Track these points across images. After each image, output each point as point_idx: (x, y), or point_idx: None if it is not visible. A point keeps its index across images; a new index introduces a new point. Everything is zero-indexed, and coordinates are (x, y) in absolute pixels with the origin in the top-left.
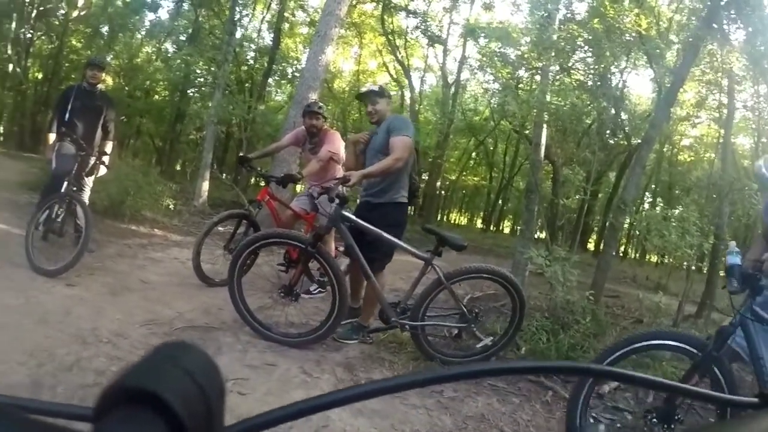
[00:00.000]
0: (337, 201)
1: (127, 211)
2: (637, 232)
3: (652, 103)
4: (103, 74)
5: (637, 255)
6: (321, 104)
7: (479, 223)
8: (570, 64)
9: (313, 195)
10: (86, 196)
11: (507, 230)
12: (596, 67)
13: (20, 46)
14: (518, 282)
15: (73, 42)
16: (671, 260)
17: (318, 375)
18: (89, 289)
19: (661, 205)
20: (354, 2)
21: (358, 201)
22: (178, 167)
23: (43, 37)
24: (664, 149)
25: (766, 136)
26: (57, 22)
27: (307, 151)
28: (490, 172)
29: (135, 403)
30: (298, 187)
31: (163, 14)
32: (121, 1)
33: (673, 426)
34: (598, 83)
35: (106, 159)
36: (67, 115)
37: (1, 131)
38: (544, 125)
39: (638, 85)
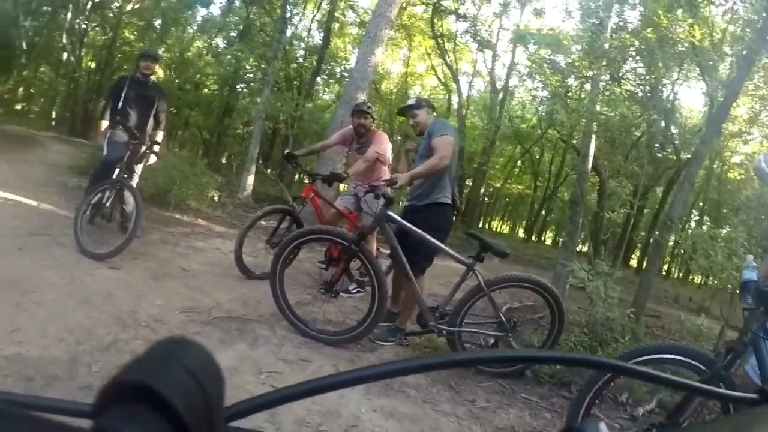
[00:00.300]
0: (383, 201)
1: (172, 200)
2: (682, 251)
3: (703, 117)
4: (157, 66)
5: (681, 274)
6: (370, 104)
7: (521, 233)
8: (621, 74)
9: (358, 194)
10: (134, 183)
11: (549, 241)
12: (648, 77)
13: (75, 36)
14: (559, 295)
15: (126, 34)
16: (716, 282)
17: None
18: (132, 273)
19: (708, 223)
20: (404, 4)
21: (401, 204)
22: (223, 160)
23: (97, 28)
24: (714, 166)
25: None
26: (111, 14)
27: (354, 151)
28: (534, 181)
29: (134, 399)
30: (341, 186)
31: (215, 10)
32: None
33: None
34: (649, 94)
35: (156, 148)
36: (120, 104)
37: (54, 116)
38: (593, 136)
39: (689, 98)
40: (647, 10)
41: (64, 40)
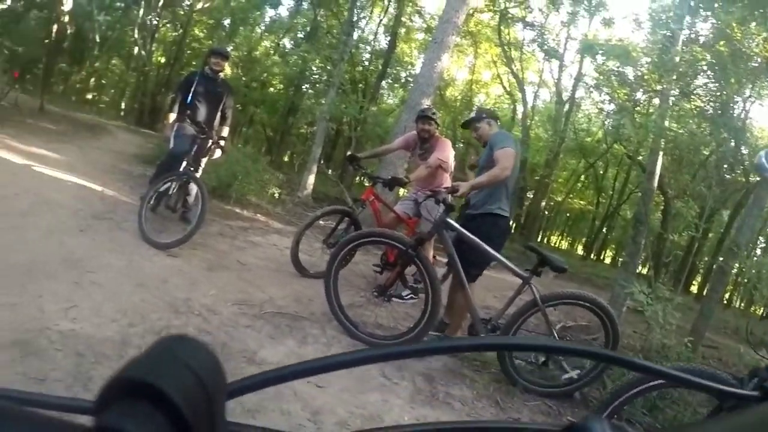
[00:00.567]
0: (443, 207)
1: (233, 194)
2: (746, 280)
3: None
4: (226, 63)
5: (743, 304)
6: (435, 110)
7: (580, 249)
8: (691, 89)
9: (418, 200)
10: (199, 175)
11: (608, 260)
12: (719, 93)
13: (146, 31)
14: (615, 316)
15: (196, 31)
16: None
17: (397, 381)
18: (189, 262)
19: None
20: (471, 11)
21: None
22: (286, 158)
23: (168, 25)
24: None
25: None
26: (182, 12)
27: (417, 157)
28: (597, 197)
29: (136, 396)
30: (401, 191)
31: (283, 11)
32: None
33: None
34: (719, 112)
35: (222, 143)
36: (189, 98)
37: (123, 107)
38: (660, 153)
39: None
40: (720, 22)
41: (136, 35)
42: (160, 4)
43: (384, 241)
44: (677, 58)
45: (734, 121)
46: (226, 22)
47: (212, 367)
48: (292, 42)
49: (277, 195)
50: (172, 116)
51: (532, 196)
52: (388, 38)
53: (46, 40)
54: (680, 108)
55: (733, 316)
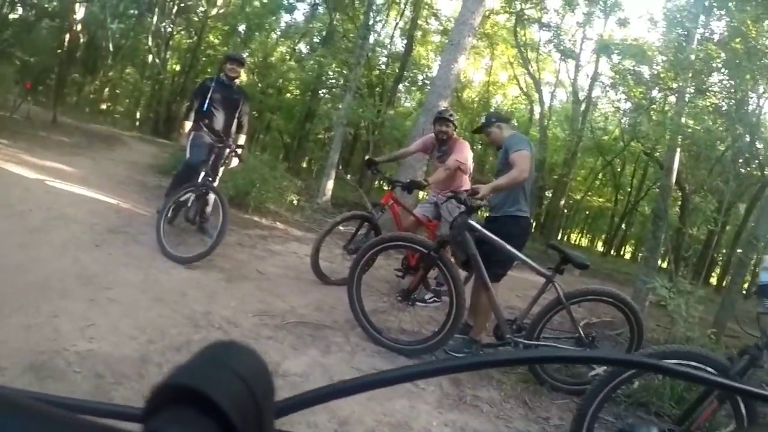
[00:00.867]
0: (464, 209)
1: (251, 202)
2: None
3: None
4: (242, 69)
5: None
6: (452, 112)
7: (600, 246)
8: (706, 87)
9: (438, 203)
10: (216, 185)
11: (628, 256)
12: (734, 90)
13: (160, 38)
14: (638, 310)
15: (211, 38)
16: None
17: (424, 386)
18: (207, 274)
19: None
20: (487, 13)
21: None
22: (304, 164)
23: (182, 32)
24: None
25: None
26: (196, 19)
27: (435, 159)
28: (615, 194)
29: (184, 402)
30: (421, 194)
31: (299, 16)
32: (258, 2)
33: None
34: (734, 108)
35: (240, 151)
36: (206, 105)
37: (138, 117)
38: (677, 149)
39: None
40: (735, 20)
41: (150, 43)
42: (174, 11)
43: (406, 245)
44: (692, 56)
45: (749, 117)
46: (241, 28)
47: (260, 373)
48: (308, 47)
49: (295, 202)
50: (188, 124)
51: (551, 195)
52: (405, 41)
53: (59, 50)
54: (696, 105)
55: (753, 305)
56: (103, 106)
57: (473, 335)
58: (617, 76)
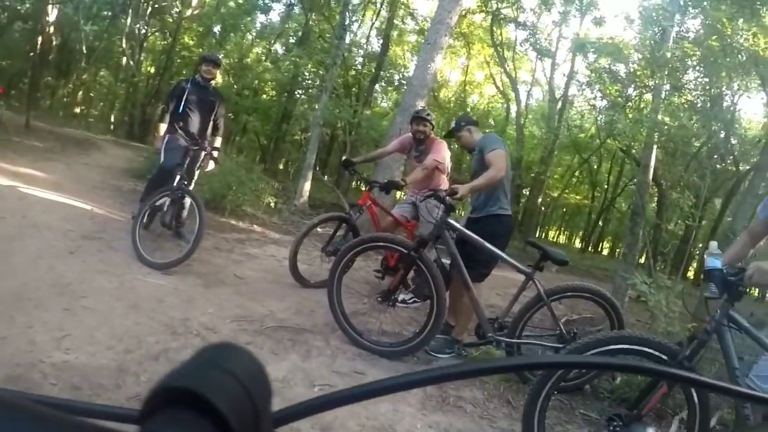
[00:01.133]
0: (443, 207)
1: (227, 206)
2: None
3: (763, 128)
4: (218, 71)
5: None
6: (429, 111)
7: (577, 243)
8: (682, 84)
9: (416, 203)
10: (191, 188)
11: (606, 251)
12: (709, 88)
13: (134, 40)
14: (618, 304)
15: (186, 39)
16: None
17: None
18: (184, 280)
19: None
20: (464, 13)
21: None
22: (281, 166)
23: (156, 33)
24: None
25: None
26: (171, 20)
27: (413, 159)
28: (592, 191)
29: (180, 404)
30: (399, 194)
31: (274, 16)
32: (233, 2)
33: None
34: (709, 104)
35: (216, 154)
36: (181, 108)
37: (113, 120)
38: (654, 146)
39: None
40: (710, 18)
41: (124, 45)
42: (148, 12)
43: (386, 246)
44: (668, 54)
45: (724, 113)
46: (216, 29)
47: (257, 375)
48: (283, 47)
49: (273, 204)
50: (163, 127)
51: (528, 193)
52: (381, 41)
53: (32, 53)
54: (672, 102)
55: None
56: (77, 110)
57: (455, 335)
58: (593, 75)
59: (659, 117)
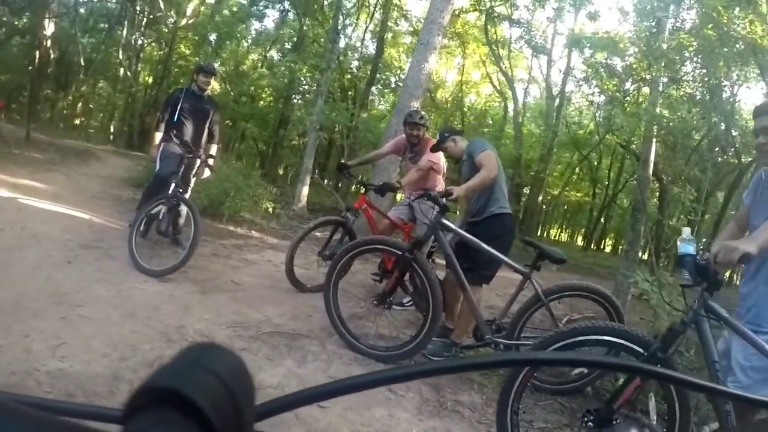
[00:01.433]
0: (437, 208)
1: (225, 212)
2: None
3: None
4: (213, 80)
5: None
6: (423, 114)
7: (579, 241)
8: (680, 76)
9: (412, 204)
10: (188, 196)
11: (608, 249)
12: (707, 79)
13: (131, 51)
14: (619, 305)
15: (182, 48)
16: None
17: (402, 393)
18: (180, 287)
19: None
20: (457, 12)
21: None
22: (280, 171)
23: (153, 44)
24: None
25: None
26: (166, 30)
27: (408, 160)
28: (593, 188)
29: (164, 404)
30: (401, 197)
31: (269, 23)
32: (228, 10)
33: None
34: (708, 96)
35: (211, 161)
36: (176, 116)
37: (112, 131)
38: (653, 140)
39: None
40: (705, 7)
41: (121, 56)
42: (144, 22)
43: (381, 248)
44: (665, 46)
45: (724, 105)
46: (212, 37)
47: (240, 374)
48: (279, 53)
49: (271, 209)
50: (159, 136)
51: (528, 191)
52: (376, 44)
53: (30, 67)
54: (670, 95)
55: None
56: (77, 122)
57: (454, 338)
58: (590, 70)
59: (657, 110)
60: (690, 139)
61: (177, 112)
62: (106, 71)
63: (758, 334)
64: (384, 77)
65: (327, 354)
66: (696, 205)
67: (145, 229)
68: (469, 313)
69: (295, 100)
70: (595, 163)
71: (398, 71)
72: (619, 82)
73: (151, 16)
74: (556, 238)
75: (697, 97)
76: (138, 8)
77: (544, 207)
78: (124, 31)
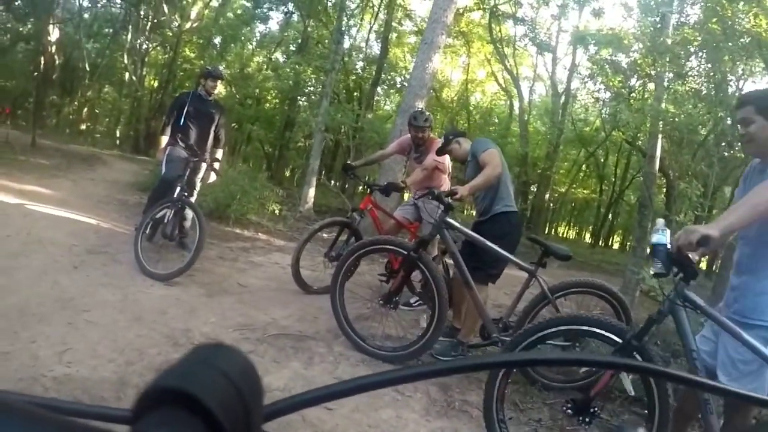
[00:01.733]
0: (442, 207)
1: (232, 215)
2: None
3: None
4: (219, 84)
5: None
6: (428, 116)
7: (587, 238)
8: (685, 71)
9: (417, 204)
10: (194, 200)
11: (616, 246)
12: (713, 73)
13: (136, 55)
14: (627, 301)
15: (187, 52)
16: None
17: (410, 394)
18: (186, 290)
19: None
20: (461, 11)
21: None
22: (287, 173)
23: (157, 47)
24: None
25: None
26: (171, 33)
27: (413, 160)
28: (600, 185)
29: (172, 404)
30: (408, 197)
31: (273, 25)
32: (232, 13)
33: (587, 419)
34: (714, 91)
35: (217, 165)
36: (182, 120)
37: (118, 135)
38: (659, 136)
39: None
40: (710, 1)
41: (126, 61)
42: (148, 27)
43: (386, 248)
44: (669, 41)
45: (729, 99)
46: (217, 40)
47: (248, 374)
48: (284, 55)
49: (278, 212)
50: (165, 139)
51: (535, 189)
52: (380, 44)
53: (35, 73)
54: (675, 90)
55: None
56: (83, 127)
57: (461, 337)
58: (595, 67)
59: (663, 106)
60: (696, 134)
61: (183, 116)
62: (111, 76)
63: (744, 326)
64: (389, 77)
65: (334, 355)
66: (703, 200)
67: (151, 232)
68: (476, 312)
69: (300, 102)
70: (602, 160)
71: (403, 71)
72: (625, 79)
73: (156, 20)
74: (564, 236)
75: (703, 92)
76: (142, 12)
77: (551, 205)
78: (129, 36)
